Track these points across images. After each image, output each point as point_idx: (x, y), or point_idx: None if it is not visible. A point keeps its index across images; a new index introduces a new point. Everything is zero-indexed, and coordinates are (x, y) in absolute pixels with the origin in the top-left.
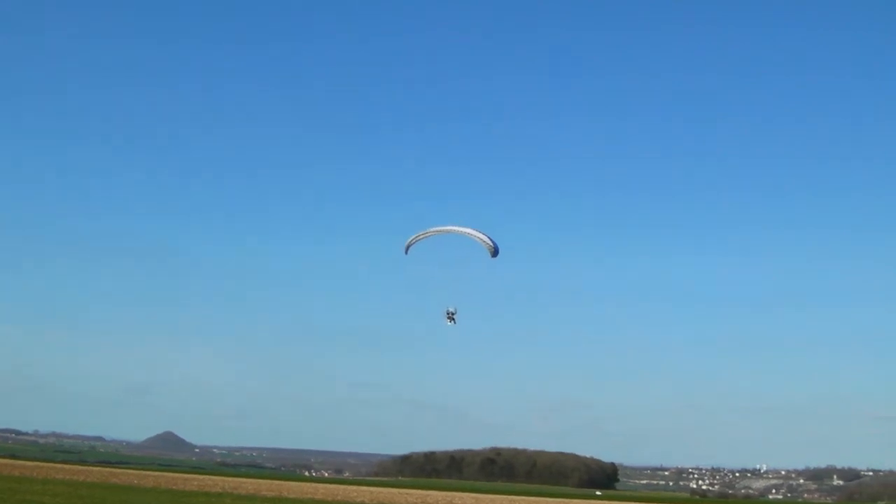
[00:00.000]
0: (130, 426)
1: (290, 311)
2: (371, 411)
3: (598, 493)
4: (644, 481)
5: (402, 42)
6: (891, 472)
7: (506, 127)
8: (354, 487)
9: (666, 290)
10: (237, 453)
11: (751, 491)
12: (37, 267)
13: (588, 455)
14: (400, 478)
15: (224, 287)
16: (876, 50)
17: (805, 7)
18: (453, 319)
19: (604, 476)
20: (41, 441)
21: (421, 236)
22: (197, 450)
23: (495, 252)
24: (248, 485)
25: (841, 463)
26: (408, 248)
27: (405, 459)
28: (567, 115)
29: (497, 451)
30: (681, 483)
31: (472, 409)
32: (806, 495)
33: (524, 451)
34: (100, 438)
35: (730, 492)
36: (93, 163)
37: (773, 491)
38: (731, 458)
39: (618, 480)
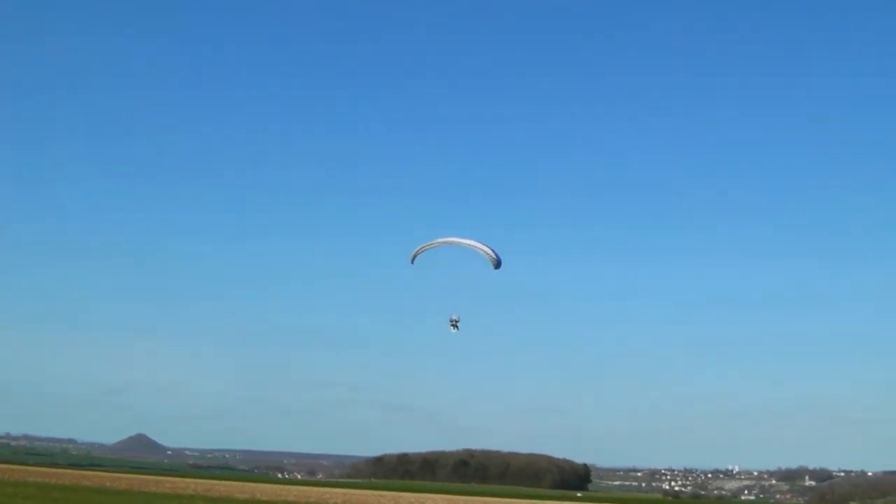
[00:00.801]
0: (102, 428)
1: (263, 313)
2: (344, 413)
3: (578, 494)
4: (617, 482)
5: (387, 42)
6: (862, 472)
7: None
8: (327, 489)
9: (638, 293)
10: (210, 455)
11: (723, 492)
12: (7, 267)
13: (561, 457)
14: (373, 479)
15: (197, 288)
16: (856, 49)
17: (785, 7)
18: (456, 326)
19: (577, 477)
20: (12, 443)
21: (426, 247)
22: (169, 452)
23: (498, 264)
24: (221, 487)
25: (813, 464)
26: (414, 258)
27: (378, 461)
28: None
29: (470, 453)
30: (653, 484)
31: (445, 410)
32: (778, 496)
33: (497, 453)
34: (72, 441)
35: (702, 493)
36: (64, 160)
37: (746, 492)
38: (704, 459)
39: (590, 482)
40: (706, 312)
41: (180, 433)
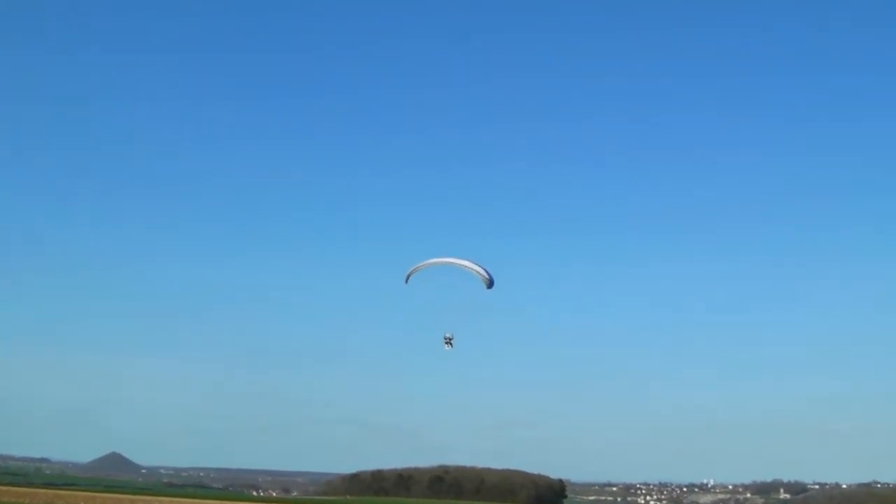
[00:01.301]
0: (76, 447)
1: (237, 330)
2: (318, 430)
3: None
4: (592, 497)
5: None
6: (836, 485)
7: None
8: None
9: (613, 306)
10: (184, 473)
11: None
12: None
13: (536, 472)
14: (348, 496)
15: (171, 306)
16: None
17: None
18: (451, 344)
19: (552, 493)
20: None
21: (421, 267)
22: (143, 470)
23: (490, 284)
24: None
25: (788, 477)
26: (408, 277)
27: (353, 478)
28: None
29: (445, 469)
30: (629, 499)
31: (419, 427)
32: None
33: (472, 469)
34: (45, 460)
35: None
36: (30, 175)
37: None
38: (679, 472)
39: (566, 497)
40: (680, 326)
41: (154, 452)
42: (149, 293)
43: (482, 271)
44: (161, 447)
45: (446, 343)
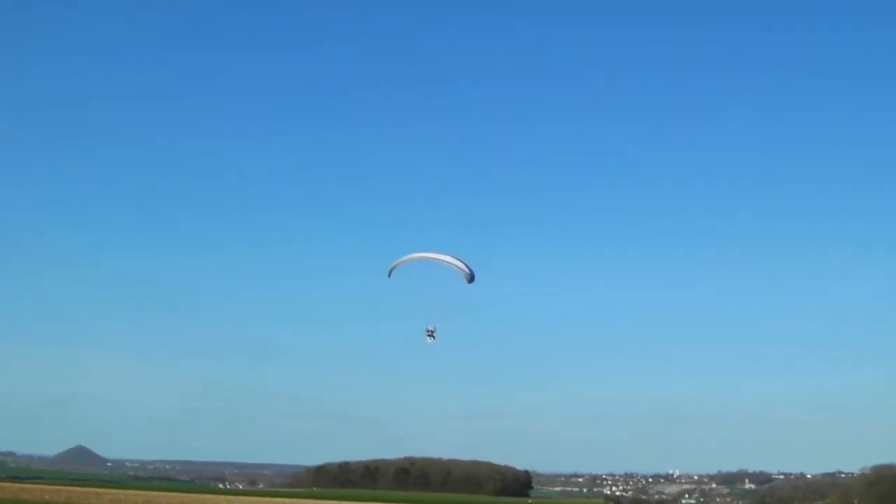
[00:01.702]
0: (42, 440)
1: (203, 325)
2: (284, 423)
3: (529, 501)
4: (558, 488)
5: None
6: (801, 475)
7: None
8: (269, 499)
9: (576, 296)
10: (150, 466)
11: (664, 496)
12: None
13: (502, 463)
14: (314, 488)
15: (136, 298)
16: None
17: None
18: (433, 336)
19: (518, 484)
20: None
21: (403, 261)
22: (109, 464)
23: (471, 279)
24: (161, 498)
25: (753, 467)
26: (391, 271)
27: (319, 470)
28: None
29: (411, 461)
30: (594, 489)
31: (386, 419)
32: (718, 499)
33: (439, 461)
34: (10, 453)
35: (643, 497)
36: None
37: (686, 495)
38: (644, 463)
39: (532, 488)
40: (646, 317)
41: (120, 445)
42: (116, 288)
43: (463, 266)
44: (127, 440)
45: (429, 335)
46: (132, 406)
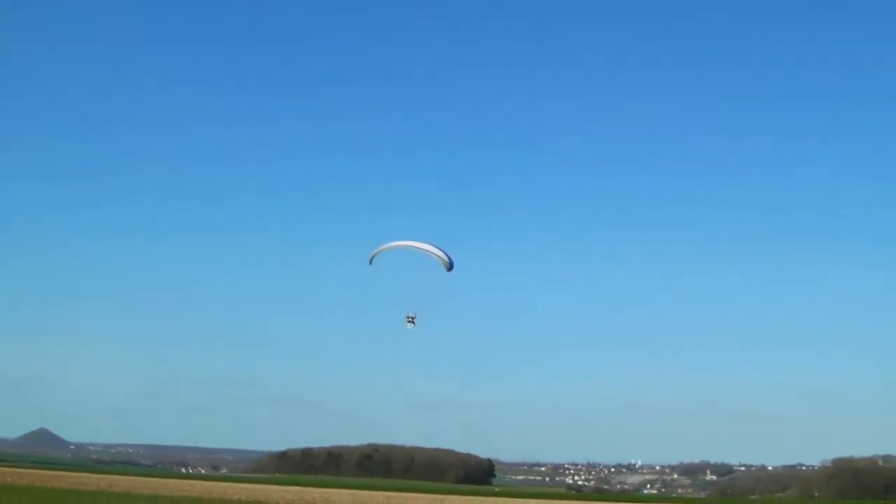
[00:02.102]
0: (3, 423)
1: (167, 307)
2: (247, 408)
3: (496, 489)
4: (521, 477)
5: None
6: (762, 467)
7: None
8: (231, 484)
9: (538, 286)
10: (113, 450)
11: (626, 486)
12: None
13: (465, 451)
14: (277, 474)
15: (100, 281)
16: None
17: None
18: (413, 322)
19: (481, 472)
20: None
21: (383, 249)
22: (72, 447)
23: (450, 267)
24: (124, 482)
25: (714, 458)
26: (371, 259)
27: (282, 456)
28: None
29: (374, 448)
30: (557, 479)
31: (349, 405)
32: (680, 490)
33: (401, 448)
34: None
35: (605, 487)
36: None
37: (648, 486)
38: (607, 453)
39: (494, 476)
40: (608, 307)
41: (83, 428)
42: (75, 272)
43: (442, 254)
44: (90, 424)
45: (409, 322)
46: (96, 390)
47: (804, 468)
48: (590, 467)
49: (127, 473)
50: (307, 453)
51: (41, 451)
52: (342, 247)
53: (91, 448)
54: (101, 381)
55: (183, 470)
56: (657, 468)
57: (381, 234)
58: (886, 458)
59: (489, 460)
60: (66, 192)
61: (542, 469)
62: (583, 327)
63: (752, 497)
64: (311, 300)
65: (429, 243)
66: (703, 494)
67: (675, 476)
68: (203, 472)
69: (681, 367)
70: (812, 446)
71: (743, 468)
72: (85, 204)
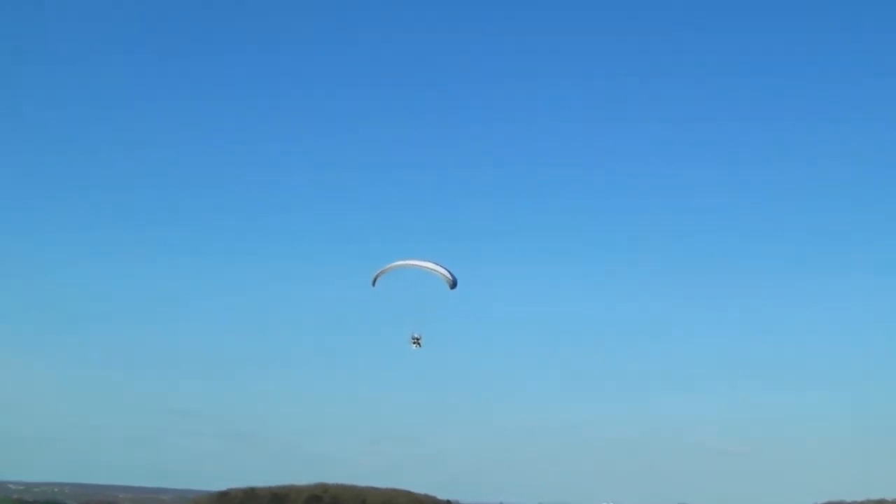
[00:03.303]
0: None
1: (100, 328)
2: (186, 442)
3: None
4: None
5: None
6: None
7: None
8: None
9: (504, 317)
10: (36, 489)
11: None
12: None
13: (422, 492)
14: None
15: (27, 302)
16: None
17: None
18: (418, 343)
19: None
20: None
21: (386, 270)
22: None
23: (454, 284)
24: None
25: (692, 500)
26: (374, 280)
27: (223, 496)
28: None
29: (324, 487)
30: None
31: (296, 440)
32: None
33: (353, 487)
34: None
35: None
36: None
37: None
38: (576, 494)
39: None
40: (579, 340)
41: (3, 464)
42: (7, 289)
43: (445, 272)
44: (11, 459)
45: (414, 343)
46: (17, 421)
47: None
48: None
49: None
50: (250, 493)
51: None
52: (304, 266)
53: (12, 486)
54: (23, 410)
55: None
56: None
57: (327, 260)
58: (880, 502)
59: (448, 501)
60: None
61: None
62: (549, 360)
63: None
64: (260, 326)
65: (431, 261)
66: None
67: None
68: None
69: (656, 402)
70: (800, 487)
71: None
72: (20, 223)
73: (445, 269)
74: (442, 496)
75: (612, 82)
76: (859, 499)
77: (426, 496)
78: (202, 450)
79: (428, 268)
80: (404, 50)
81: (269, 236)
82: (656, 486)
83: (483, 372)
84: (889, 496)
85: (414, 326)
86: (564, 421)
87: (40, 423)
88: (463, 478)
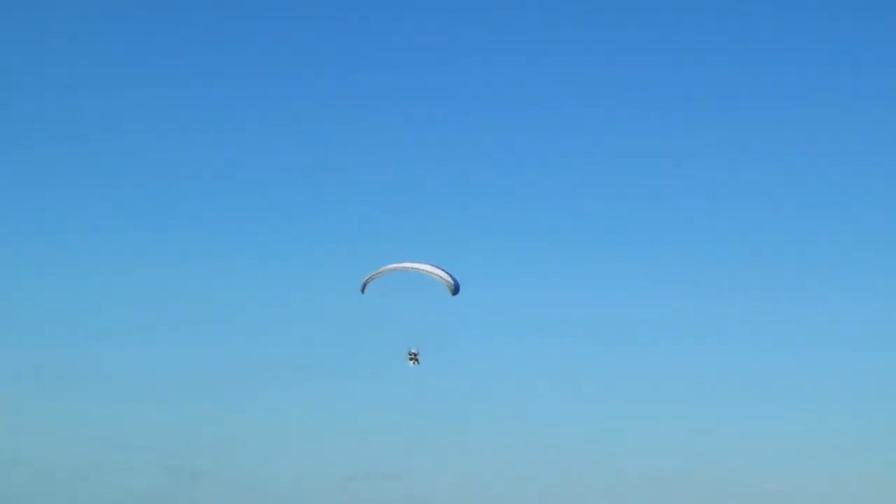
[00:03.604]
0: None
1: (25, 350)
2: (126, 479)
3: None
4: None
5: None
6: None
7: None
8: None
9: (504, 331)
10: None
11: None
12: None
13: None
14: None
15: None
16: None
17: None
18: (416, 360)
19: None
20: None
21: (377, 274)
22: None
23: (456, 290)
24: None
25: None
26: (364, 287)
27: None
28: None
29: None
30: None
31: (257, 478)
32: None
33: None
34: None
35: None
36: None
37: None
38: None
39: None
40: (597, 357)
41: None
42: None
43: (446, 276)
44: None
45: (411, 359)
46: None
47: None
48: None
49: None
50: None
51: None
52: (260, 278)
53: None
54: None
55: None
56: None
57: (300, 263)
58: None
59: None
60: None
61: None
62: (552, 382)
63: None
64: (215, 347)
65: (429, 264)
66: None
67: None
68: None
69: (672, 432)
70: None
71: None
72: None
73: (446, 272)
74: None
75: (614, 79)
76: None
77: None
78: (145, 487)
79: (426, 271)
80: (404, 49)
81: (237, 239)
82: None
83: (487, 394)
84: None
85: (409, 340)
86: (561, 451)
87: None
88: None
